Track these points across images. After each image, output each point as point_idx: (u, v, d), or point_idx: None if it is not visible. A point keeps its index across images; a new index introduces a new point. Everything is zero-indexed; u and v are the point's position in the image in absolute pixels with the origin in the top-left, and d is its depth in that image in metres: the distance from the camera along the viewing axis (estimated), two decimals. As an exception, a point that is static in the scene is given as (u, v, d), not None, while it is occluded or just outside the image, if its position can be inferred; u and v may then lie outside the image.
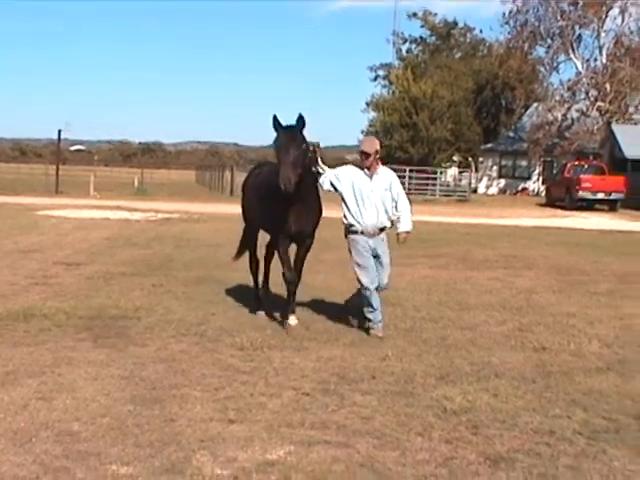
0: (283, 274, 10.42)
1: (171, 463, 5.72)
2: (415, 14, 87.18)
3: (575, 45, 64.19)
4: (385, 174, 10.37)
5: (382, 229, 10.27)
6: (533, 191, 66.93)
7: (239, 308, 11.48)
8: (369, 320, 10.12)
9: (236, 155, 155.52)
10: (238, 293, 12.67)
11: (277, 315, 10.90)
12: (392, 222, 10.39)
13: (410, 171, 56.23)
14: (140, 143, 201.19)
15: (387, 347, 9.26)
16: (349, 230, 10.22)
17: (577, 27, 63.31)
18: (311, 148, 10.08)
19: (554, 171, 59.19)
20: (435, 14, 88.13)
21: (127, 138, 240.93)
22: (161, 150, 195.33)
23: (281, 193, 9.41)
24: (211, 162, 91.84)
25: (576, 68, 64.15)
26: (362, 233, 10.12)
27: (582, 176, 46.01)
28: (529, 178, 69.34)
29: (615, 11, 62.75)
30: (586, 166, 49.57)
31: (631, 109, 63.01)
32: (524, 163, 69.28)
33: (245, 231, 12.04)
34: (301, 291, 10.91)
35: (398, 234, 10.44)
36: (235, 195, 49.71)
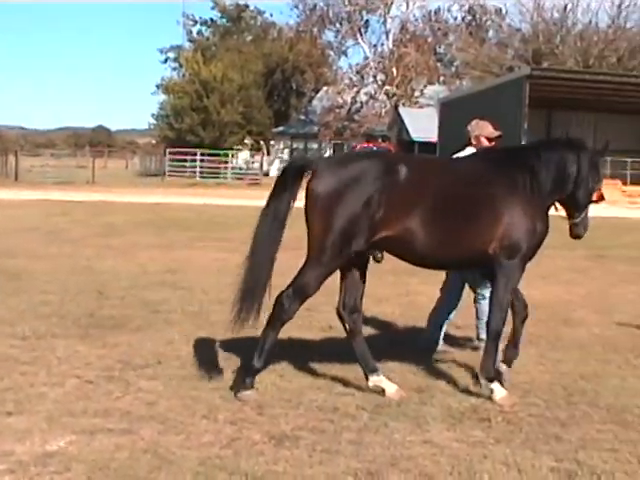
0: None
1: (-58, 460, 5.45)
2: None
3: (363, 30, 65.81)
4: None
5: None
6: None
7: (21, 296, 11.06)
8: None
9: (22, 139, 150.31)
10: (21, 281, 12.25)
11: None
12: None
13: (201, 154, 56.78)
14: None
15: (174, 331, 9.17)
16: None
17: (364, 12, 64.85)
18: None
19: (344, 153, 60.38)
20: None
21: None
22: None
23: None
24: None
25: (364, 53, 65.87)
26: None
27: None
28: (321, 160, 70.38)
29: (401, -3, 64.71)
30: (375, 148, 50.79)
31: (417, 93, 65.10)
32: (315, 146, 70.43)
33: (329, 263, 7.63)
34: (87, 279, 10.63)
35: None
36: (20, 180, 48.16)
